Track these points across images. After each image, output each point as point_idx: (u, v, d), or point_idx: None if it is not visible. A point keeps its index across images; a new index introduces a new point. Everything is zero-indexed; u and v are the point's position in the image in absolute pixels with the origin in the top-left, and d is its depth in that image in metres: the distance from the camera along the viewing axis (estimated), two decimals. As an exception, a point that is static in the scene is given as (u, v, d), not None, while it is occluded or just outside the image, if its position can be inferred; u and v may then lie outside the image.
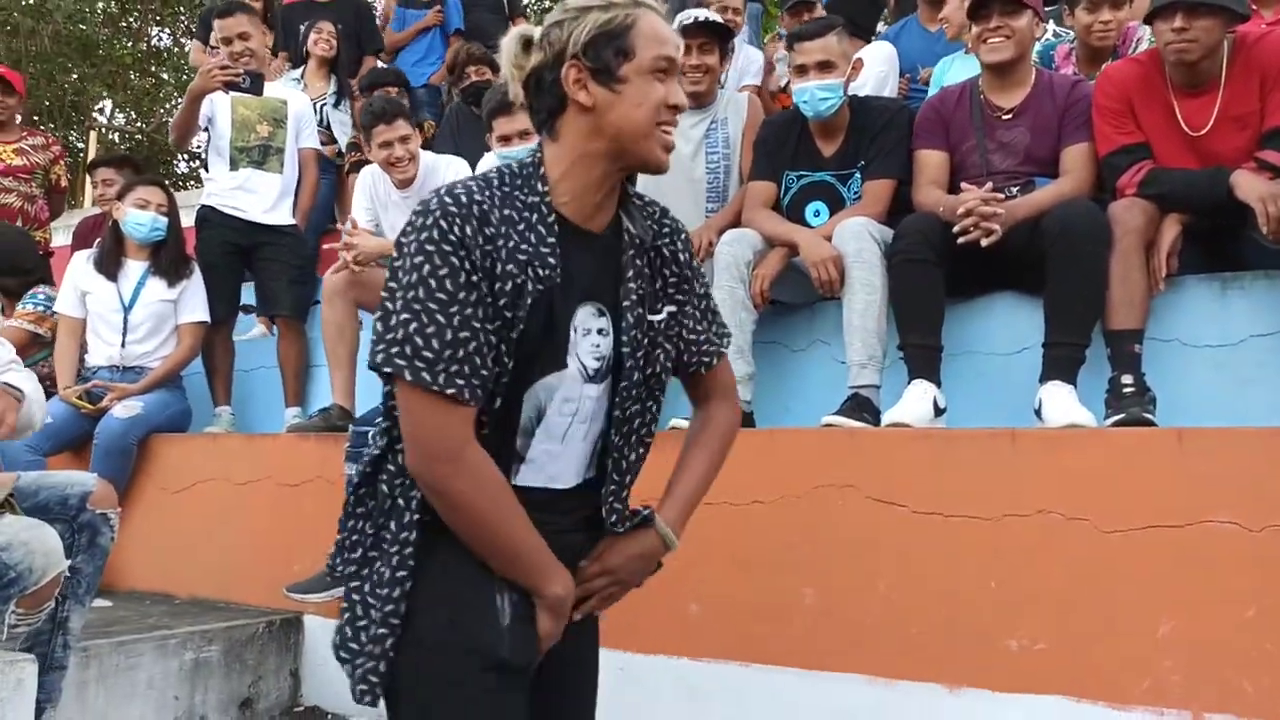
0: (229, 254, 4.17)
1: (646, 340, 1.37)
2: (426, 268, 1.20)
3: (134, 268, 3.98)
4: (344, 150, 5.20)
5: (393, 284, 1.23)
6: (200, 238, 4.21)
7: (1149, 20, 2.61)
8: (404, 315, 1.21)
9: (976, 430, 2.38)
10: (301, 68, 5.25)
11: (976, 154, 2.91)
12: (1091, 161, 2.75)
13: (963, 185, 2.80)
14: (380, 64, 5.63)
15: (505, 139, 3.32)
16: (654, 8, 1.35)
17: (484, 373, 1.23)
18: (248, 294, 4.46)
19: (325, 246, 3.75)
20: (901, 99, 3.75)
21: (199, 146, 4.52)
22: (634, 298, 1.35)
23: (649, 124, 1.30)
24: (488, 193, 1.27)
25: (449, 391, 1.20)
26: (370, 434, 1.39)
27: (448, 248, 1.21)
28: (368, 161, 4.54)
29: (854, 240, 2.75)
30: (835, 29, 2.99)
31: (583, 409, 1.34)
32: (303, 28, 5.43)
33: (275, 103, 4.24)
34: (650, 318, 1.38)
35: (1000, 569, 2.21)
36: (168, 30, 14.92)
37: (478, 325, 1.22)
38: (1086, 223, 2.53)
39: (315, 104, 4.95)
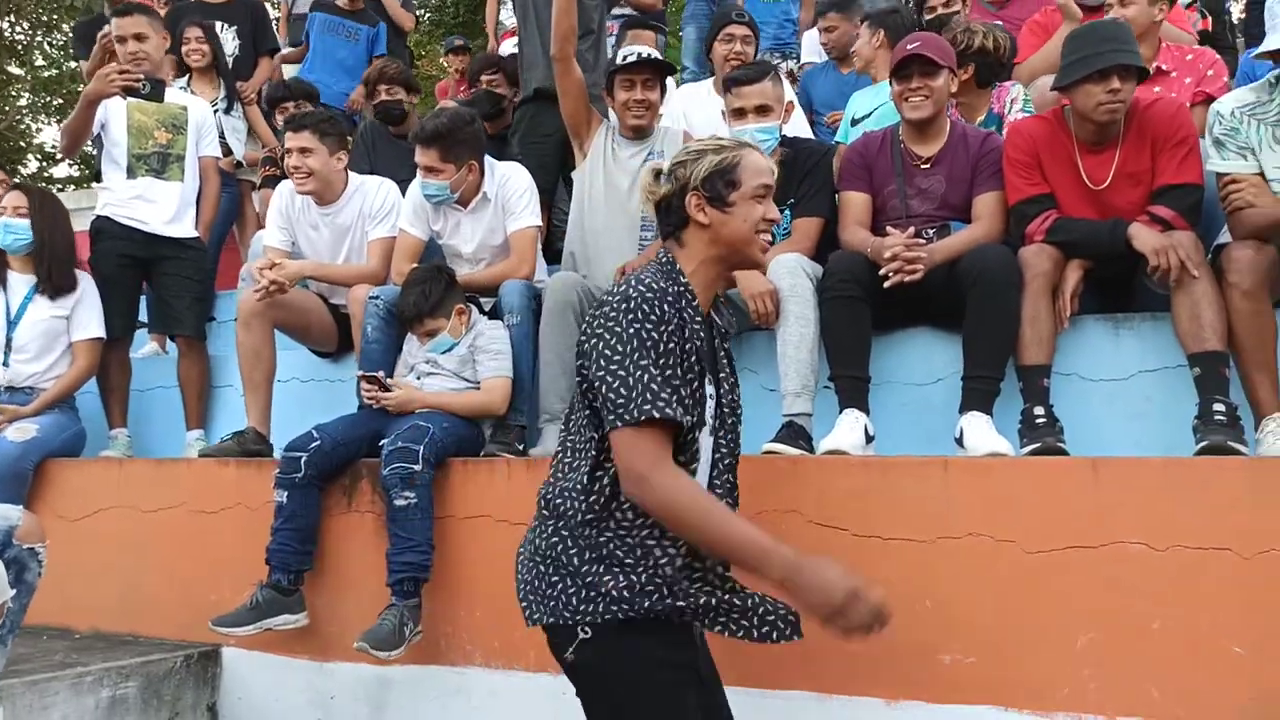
0: (127, 267, 3.97)
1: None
2: (639, 337, 1.69)
3: (18, 281, 3.75)
4: (240, 161, 5.02)
5: (610, 353, 1.69)
6: (95, 250, 3.99)
7: (1073, 85, 2.78)
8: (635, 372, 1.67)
9: (911, 458, 2.55)
10: (187, 74, 5.04)
11: (897, 198, 3.11)
12: (1002, 209, 2.99)
13: (887, 229, 2.99)
14: (283, 71, 5.48)
15: (421, 168, 3.35)
16: (756, 148, 1.85)
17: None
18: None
19: (250, 267, 3.61)
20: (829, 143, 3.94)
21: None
22: (727, 369, 1.94)
23: (751, 235, 1.81)
24: (663, 283, 1.76)
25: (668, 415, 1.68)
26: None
27: (650, 325, 1.69)
28: (277, 176, 4.45)
29: (789, 275, 2.89)
30: (770, 74, 3.15)
31: (704, 456, 1.85)
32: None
33: (174, 109, 4.08)
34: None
35: (935, 588, 2.37)
36: (13, 21, 13.95)
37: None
38: (1001, 267, 2.75)
39: None
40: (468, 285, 3.34)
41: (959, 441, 2.68)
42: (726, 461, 1.93)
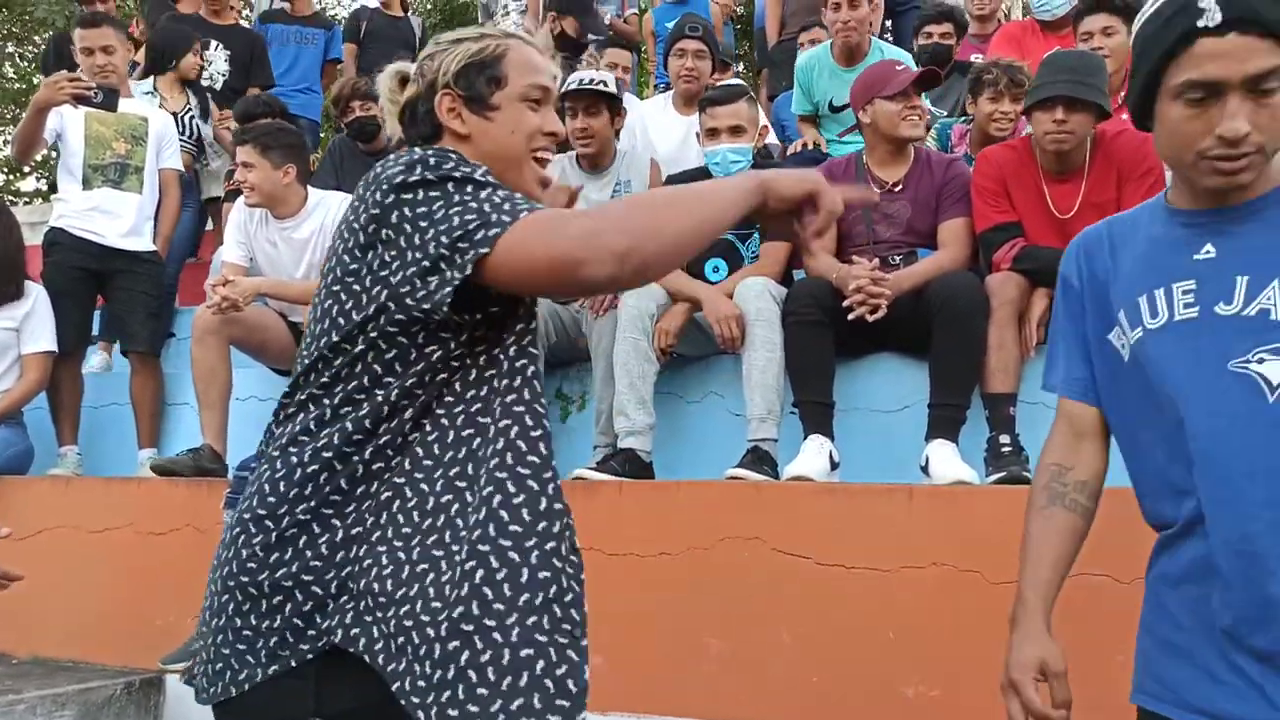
0: (81, 280, 3.88)
1: None
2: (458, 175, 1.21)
3: (-38, 292, 3.65)
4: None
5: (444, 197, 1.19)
6: (49, 262, 3.90)
7: (1027, 111, 2.87)
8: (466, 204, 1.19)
9: (876, 486, 2.52)
10: (152, 78, 4.96)
11: (863, 223, 3.10)
12: (968, 235, 2.98)
13: (853, 255, 2.97)
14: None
15: None
16: (526, 39, 1.39)
17: None
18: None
19: (211, 282, 3.54)
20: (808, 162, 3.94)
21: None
22: None
23: (523, 150, 1.34)
24: None
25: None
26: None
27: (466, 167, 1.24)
28: (240, 190, 4.38)
29: (755, 299, 2.86)
30: (745, 95, 3.14)
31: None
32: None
33: (134, 119, 4.01)
34: None
35: (898, 618, 2.33)
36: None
37: None
38: (968, 295, 2.74)
39: (181, 116, 4.70)
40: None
41: (924, 469, 2.66)
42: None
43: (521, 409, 1.26)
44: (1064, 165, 2.84)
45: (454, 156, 1.23)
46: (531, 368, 1.28)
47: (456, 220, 1.17)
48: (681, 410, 3.21)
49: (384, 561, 1.22)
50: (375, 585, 1.22)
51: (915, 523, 2.38)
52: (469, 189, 1.19)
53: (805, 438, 2.75)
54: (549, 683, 1.20)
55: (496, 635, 1.19)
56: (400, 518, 1.24)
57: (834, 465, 2.73)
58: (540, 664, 1.20)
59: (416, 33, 6.15)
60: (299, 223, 3.62)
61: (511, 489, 1.23)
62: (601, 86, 3.37)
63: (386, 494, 1.25)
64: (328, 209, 3.62)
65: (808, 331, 2.82)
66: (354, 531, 1.24)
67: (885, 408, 2.98)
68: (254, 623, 1.23)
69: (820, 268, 3.00)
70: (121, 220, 3.90)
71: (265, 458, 1.30)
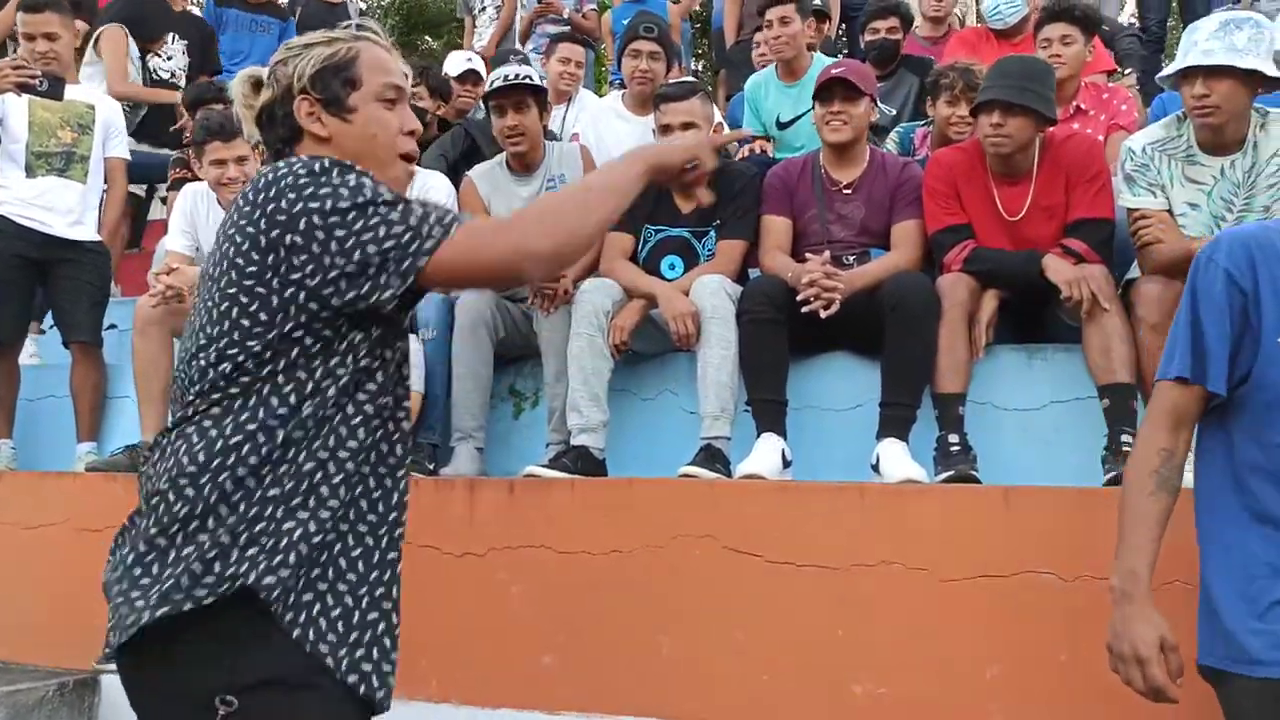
0: (20, 269, 3.75)
1: None
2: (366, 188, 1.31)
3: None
4: None
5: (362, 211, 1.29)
6: (-11, 250, 3.77)
7: (973, 114, 2.91)
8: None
9: (827, 484, 2.53)
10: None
11: (818, 223, 3.12)
12: (920, 237, 3.01)
13: (807, 254, 2.99)
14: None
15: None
16: (375, 39, 1.46)
17: None
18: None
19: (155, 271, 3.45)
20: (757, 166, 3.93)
21: None
22: None
23: (389, 152, 1.43)
24: None
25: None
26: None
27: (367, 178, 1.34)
28: (187, 179, 4.27)
29: (711, 297, 2.86)
30: (699, 93, 3.13)
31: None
32: None
33: (81, 107, 3.90)
34: None
35: (847, 617, 2.34)
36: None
37: None
38: (920, 295, 2.76)
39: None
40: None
41: (875, 468, 2.68)
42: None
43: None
44: (1012, 168, 2.88)
45: (353, 166, 1.32)
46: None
47: (383, 232, 1.27)
48: (636, 407, 3.19)
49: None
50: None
51: (866, 521, 2.39)
52: (382, 205, 1.28)
53: (758, 436, 2.76)
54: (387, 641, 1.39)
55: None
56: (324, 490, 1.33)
57: (786, 463, 2.73)
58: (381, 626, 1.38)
59: (353, 18, 6.07)
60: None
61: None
62: (528, 81, 3.34)
63: (309, 465, 1.33)
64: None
65: (762, 330, 2.82)
66: (272, 493, 1.31)
67: (838, 406, 2.99)
68: (155, 571, 1.29)
69: (775, 266, 3.01)
70: (65, 209, 3.80)
71: (179, 435, 1.34)
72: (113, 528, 3.03)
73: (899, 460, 2.62)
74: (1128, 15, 7.95)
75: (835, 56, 4.78)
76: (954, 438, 2.66)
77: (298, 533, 1.30)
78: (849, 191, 3.12)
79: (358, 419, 1.35)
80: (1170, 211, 2.70)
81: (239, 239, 1.31)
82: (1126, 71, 4.92)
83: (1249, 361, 1.53)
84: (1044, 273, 2.72)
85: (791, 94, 4.11)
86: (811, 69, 4.03)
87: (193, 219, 3.59)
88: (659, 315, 2.99)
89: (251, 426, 1.30)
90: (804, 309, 2.79)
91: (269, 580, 1.27)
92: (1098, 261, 2.73)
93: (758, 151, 3.97)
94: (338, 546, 1.34)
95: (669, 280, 3.10)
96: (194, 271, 3.42)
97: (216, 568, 1.27)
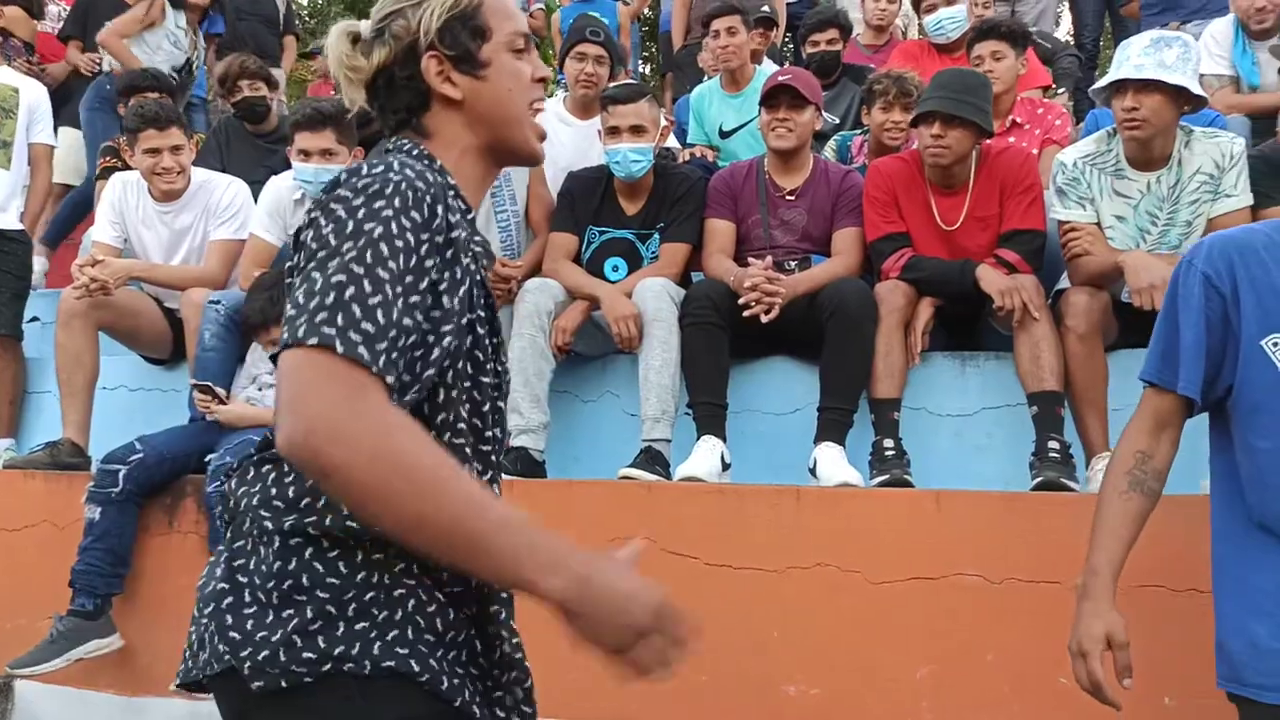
0: None
1: None
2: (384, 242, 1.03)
3: None
4: None
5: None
6: (-95, 240, 3.62)
7: (913, 125, 2.96)
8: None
9: (765, 487, 2.55)
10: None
11: (760, 228, 3.15)
12: (860, 244, 3.05)
13: (749, 259, 3.01)
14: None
15: (305, 154, 3.18)
16: None
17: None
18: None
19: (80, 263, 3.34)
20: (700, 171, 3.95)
21: None
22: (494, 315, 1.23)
23: (523, 107, 1.22)
24: (430, 177, 1.11)
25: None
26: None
27: (409, 223, 1.04)
28: (116, 168, 4.15)
29: (654, 300, 2.87)
30: (647, 96, 3.14)
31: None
32: None
33: (5, 90, 3.76)
34: None
35: (783, 619, 2.37)
36: None
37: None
38: (858, 302, 2.80)
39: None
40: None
41: (813, 471, 2.71)
42: (499, 433, 1.22)
43: None
44: (949, 179, 2.94)
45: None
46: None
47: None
48: (577, 409, 3.19)
49: None
50: None
51: (802, 524, 2.42)
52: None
53: (698, 438, 2.77)
54: None
55: None
56: None
57: (726, 466, 2.75)
58: None
59: (280, 7, 5.96)
60: (182, 206, 3.45)
61: None
62: None
63: None
64: (211, 192, 3.46)
65: (703, 334, 2.84)
66: None
67: (777, 410, 3.02)
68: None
69: (718, 270, 3.03)
70: None
71: None
72: (32, 527, 2.98)
73: (835, 464, 2.66)
74: (1064, 32, 8.20)
75: (782, 64, 4.84)
76: (889, 442, 2.71)
77: None
78: (792, 198, 3.15)
79: None
80: (1099, 224, 2.78)
81: None
82: (1060, 91, 5.05)
83: (1233, 366, 1.50)
84: (978, 282, 2.78)
85: (735, 104, 4.14)
86: (755, 79, 4.07)
87: (121, 210, 3.49)
88: (601, 317, 2.99)
89: None
90: (745, 313, 2.81)
91: None
92: (1029, 272, 2.80)
93: (698, 156, 3.99)
94: None
95: (612, 282, 3.10)
96: (121, 264, 3.32)
97: None
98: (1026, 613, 2.24)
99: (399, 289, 1.01)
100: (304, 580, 1.06)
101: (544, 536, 0.98)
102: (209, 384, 2.89)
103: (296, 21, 6.81)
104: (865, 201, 3.04)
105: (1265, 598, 1.48)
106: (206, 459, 2.74)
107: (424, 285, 1.05)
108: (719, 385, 2.84)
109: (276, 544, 1.08)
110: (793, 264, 3.07)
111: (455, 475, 0.97)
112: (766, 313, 2.81)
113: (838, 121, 4.24)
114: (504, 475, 2.67)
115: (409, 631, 1.08)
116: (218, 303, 3.11)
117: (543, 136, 1.26)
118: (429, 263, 1.06)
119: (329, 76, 6.41)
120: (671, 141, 4.00)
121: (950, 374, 2.95)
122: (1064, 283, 2.89)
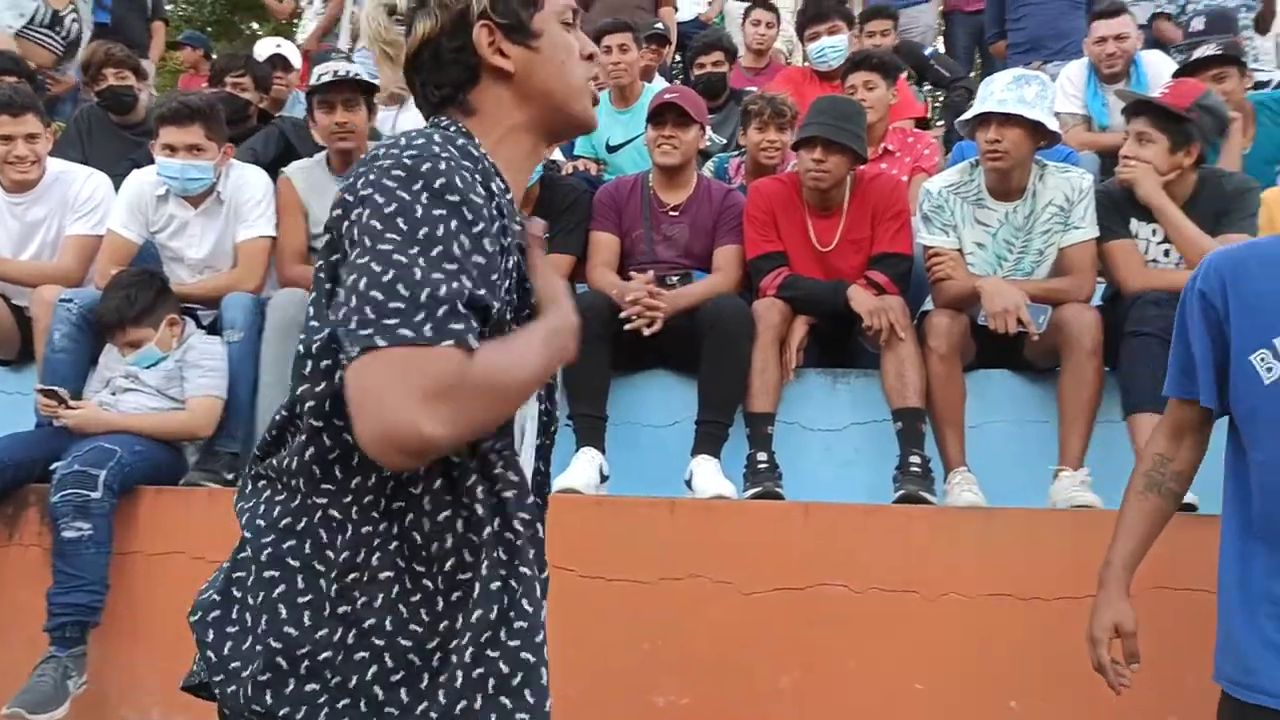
0: None
1: None
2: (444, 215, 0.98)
3: None
4: None
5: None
6: None
7: (795, 149, 3.06)
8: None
9: (640, 499, 2.58)
10: None
11: (644, 243, 3.19)
12: (740, 262, 3.13)
13: (632, 273, 3.04)
14: None
15: (170, 149, 3.05)
16: None
17: None
18: None
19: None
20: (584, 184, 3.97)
21: None
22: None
23: (583, 79, 1.16)
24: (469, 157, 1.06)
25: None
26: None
27: (462, 199, 0.99)
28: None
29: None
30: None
31: (530, 427, 1.21)
32: None
33: None
34: None
35: (654, 630, 2.40)
36: None
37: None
38: (735, 317, 2.87)
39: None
40: (185, 295, 3.05)
41: (689, 483, 2.75)
42: (547, 437, 1.28)
43: None
44: (826, 202, 3.04)
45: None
46: None
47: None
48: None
49: None
50: None
51: (676, 535, 2.46)
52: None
53: (577, 450, 2.78)
54: None
55: None
56: None
57: (604, 478, 2.77)
58: None
59: None
60: (35, 198, 3.26)
61: None
62: (359, 77, 3.26)
63: None
64: (68, 185, 3.28)
65: (585, 346, 2.82)
66: None
67: (656, 423, 3.06)
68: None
69: (601, 283, 3.05)
70: None
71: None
72: None
73: (711, 476, 2.71)
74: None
75: (671, 81, 4.92)
76: (762, 455, 2.77)
77: None
78: (675, 214, 3.20)
79: None
80: (961, 250, 2.93)
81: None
82: (939, 122, 5.27)
83: (1230, 378, 1.57)
84: (849, 302, 2.89)
85: (623, 119, 4.20)
86: (644, 95, 4.14)
87: (-34, 200, 3.27)
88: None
89: None
90: (627, 327, 2.84)
91: None
92: (896, 293, 2.93)
93: (581, 169, 4.02)
94: None
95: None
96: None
97: None
98: (887, 622, 2.33)
99: (453, 266, 0.95)
100: (273, 617, 1.03)
101: (545, 324, 1.10)
102: (54, 388, 2.73)
103: (166, 6, 6.51)
104: (746, 220, 3.11)
105: (1267, 601, 1.52)
106: (52, 467, 2.59)
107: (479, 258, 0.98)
108: (600, 397, 2.86)
109: (253, 571, 1.05)
110: (674, 279, 3.12)
111: (506, 370, 0.99)
112: (648, 326, 2.85)
113: (724, 142, 4.34)
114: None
115: (361, 705, 1.01)
116: (70, 301, 2.95)
117: (597, 103, 1.21)
118: (486, 241, 1.00)
119: (199, 69, 6.16)
120: (556, 154, 4.01)
121: (822, 390, 3.04)
122: (928, 305, 3.03)
